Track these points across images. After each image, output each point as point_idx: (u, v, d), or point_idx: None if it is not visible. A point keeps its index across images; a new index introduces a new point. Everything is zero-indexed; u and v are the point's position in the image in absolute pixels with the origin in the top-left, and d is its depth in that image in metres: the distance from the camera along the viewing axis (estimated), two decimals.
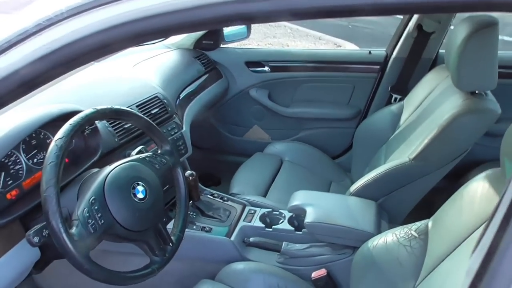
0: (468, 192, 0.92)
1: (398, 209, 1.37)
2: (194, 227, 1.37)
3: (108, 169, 0.90)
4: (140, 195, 0.90)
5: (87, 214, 0.80)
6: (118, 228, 0.86)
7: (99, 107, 0.90)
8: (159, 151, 1.04)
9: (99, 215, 0.82)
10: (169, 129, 1.43)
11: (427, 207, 1.41)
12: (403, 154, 1.37)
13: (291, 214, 1.39)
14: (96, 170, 0.97)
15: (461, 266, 0.85)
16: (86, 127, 1.04)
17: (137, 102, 1.35)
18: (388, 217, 1.32)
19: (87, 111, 0.87)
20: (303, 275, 1.29)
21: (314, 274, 1.26)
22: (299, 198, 1.34)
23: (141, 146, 1.06)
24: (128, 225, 0.87)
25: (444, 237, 0.95)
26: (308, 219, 1.25)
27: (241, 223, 1.41)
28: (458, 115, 1.18)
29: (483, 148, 1.60)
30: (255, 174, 1.76)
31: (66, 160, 1.03)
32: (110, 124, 1.18)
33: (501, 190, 0.84)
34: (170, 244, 0.99)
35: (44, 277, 1.33)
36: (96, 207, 0.82)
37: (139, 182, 0.91)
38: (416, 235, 1.03)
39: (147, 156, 1.00)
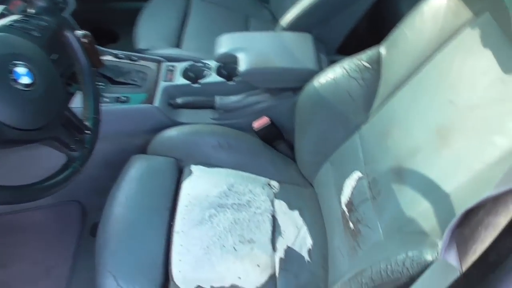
0: (430, 7, 0.80)
1: (334, 37, 1.24)
2: (107, 99, 1.13)
3: None
4: (25, 80, 0.63)
5: None
6: (7, 131, 0.61)
7: None
8: (29, 10, 0.72)
9: None
10: None
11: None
12: None
13: (218, 63, 1.20)
14: None
15: (424, 91, 0.79)
16: None
17: None
18: (325, 48, 1.20)
19: None
20: (244, 127, 1.19)
21: (256, 125, 1.17)
22: (226, 43, 1.13)
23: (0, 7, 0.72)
24: (20, 124, 0.62)
25: (401, 62, 0.86)
26: (242, 66, 1.08)
27: (162, 84, 1.19)
28: None
29: None
30: (160, 21, 1.47)
31: None
32: None
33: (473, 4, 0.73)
34: (87, 131, 0.77)
35: None
36: None
37: (17, 62, 0.62)
38: (368, 65, 0.93)
39: (14, 21, 0.68)
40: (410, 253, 0.60)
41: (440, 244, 0.58)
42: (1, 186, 0.59)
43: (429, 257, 0.58)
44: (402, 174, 0.77)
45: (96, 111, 0.80)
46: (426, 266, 0.58)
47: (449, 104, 0.72)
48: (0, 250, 1.14)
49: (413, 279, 0.59)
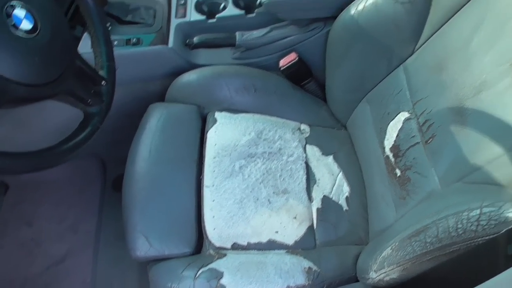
0: None
1: None
2: (116, 42, 1.01)
3: None
4: (26, 25, 0.52)
5: None
6: (15, 88, 0.52)
7: None
8: None
9: None
10: None
11: None
12: None
13: None
14: None
15: (493, 13, 0.67)
16: None
17: None
18: None
19: None
20: (269, 66, 1.08)
21: (283, 62, 1.05)
22: None
23: None
24: (28, 79, 0.53)
25: None
26: None
27: (174, 22, 1.06)
28: None
29: None
30: None
31: None
32: None
33: None
34: (103, 82, 0.67)
35: None
36: None
37: (13, 4, 0.51)
38: None
39: None
40: (486, 210, 0.52)
41: None
42: (15, 154, 0.52)
43: (510, 214, 0.50)
44: (464, 115, 0.67)
45: (110, 57, 0.70)
46: (506, 224, 0.50)
47: None
48: (24, 208, 1.10)
49: (488, 238, 0.52)
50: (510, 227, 0.49)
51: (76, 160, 1.15)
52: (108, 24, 1.01)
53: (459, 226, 0.54)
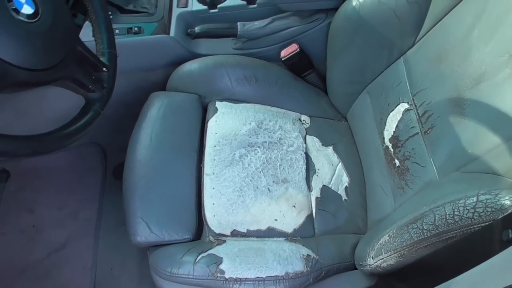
0: None
1: None
2: (117, 31, 1.01)
3: None
4: (27, 10, 0.53)
5: None
6: (16, 73, 0.52)
7: None
8: None
9: None
10: None
11: None
12: None
13: None
14: None
15: (494, 3, 0.67)
16: None
17: None
18: None
19: None
20: (270, 57, 1.08)
21: (284, 53, 1.05)
22: None
23: None
24: (30, 64, 0.53)
25: None
26: None
27: (176, 11, 1.06)
28: None
29: None
30: None
31: None
32: None
33: None
34: (104, 69, 0.68)
35: None
36: None
37: None
38: None
39: None
40: (482, 197, 0.53)
41: None
42: (16, 137, 0.52)
43: (506, 201, 0.51)
44: (462, 105, 0.68)
45: (111, 44, 0.70)
46: (501, 211, 0.51)
47: None
48: (25, 195, 1.11)
49: (483, 225, 0.52)
50: (505, 214, 0.49)
51: (77, 147, 1.17)
52: (109, 13, 1.01)
53: (456, 213, 0.54)
